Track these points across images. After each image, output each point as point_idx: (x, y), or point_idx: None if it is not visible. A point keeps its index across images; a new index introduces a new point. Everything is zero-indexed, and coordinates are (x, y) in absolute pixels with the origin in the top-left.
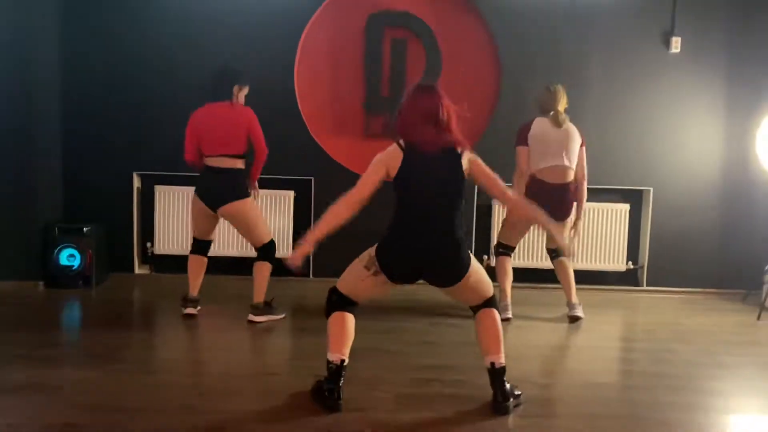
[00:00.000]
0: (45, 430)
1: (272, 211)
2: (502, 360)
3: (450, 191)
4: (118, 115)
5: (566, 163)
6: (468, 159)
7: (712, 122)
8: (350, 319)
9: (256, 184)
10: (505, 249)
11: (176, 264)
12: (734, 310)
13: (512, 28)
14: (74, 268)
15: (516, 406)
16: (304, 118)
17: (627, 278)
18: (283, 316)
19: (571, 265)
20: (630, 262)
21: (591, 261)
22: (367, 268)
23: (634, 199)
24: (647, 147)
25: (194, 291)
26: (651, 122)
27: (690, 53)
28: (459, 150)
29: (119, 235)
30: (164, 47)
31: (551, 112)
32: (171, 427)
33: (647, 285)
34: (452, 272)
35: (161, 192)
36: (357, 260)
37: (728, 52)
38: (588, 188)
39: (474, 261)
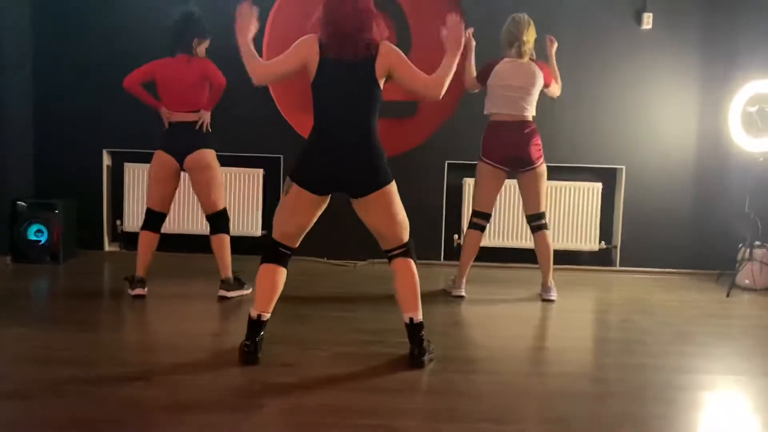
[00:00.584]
0: None
1: (242, 190)
2: (419, 316)
3: (364, 90)
4: (89, 92)
5: (526, 114)
6: (383, 51)
7: (685, 99)
8: (280, 273)
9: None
10: (480, 218)
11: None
12: (706, 289)
13: (481, 3)
14: (42, 243)
15: (430, 361)
16: (272, 94)
17: (600, 258)
18: (250, 290)
19: (552, 242)
20: (603, 242)
21: (563, 240)
22: (285, 192)
23: (607, 177)
24: (619, 125)
25: (142, 271)
26: (623, 100)
27: (662, 29)
28: (373, 50)
29: (89, 212)
30: (134, 24)
31: (515, 44)
32: (98, 377)
33: (620, 265)
34: (367, 179)
35: (131, 169)
36: (282, 200)
37: (700, 27)
38: (560, 167)
39: (393, 187)
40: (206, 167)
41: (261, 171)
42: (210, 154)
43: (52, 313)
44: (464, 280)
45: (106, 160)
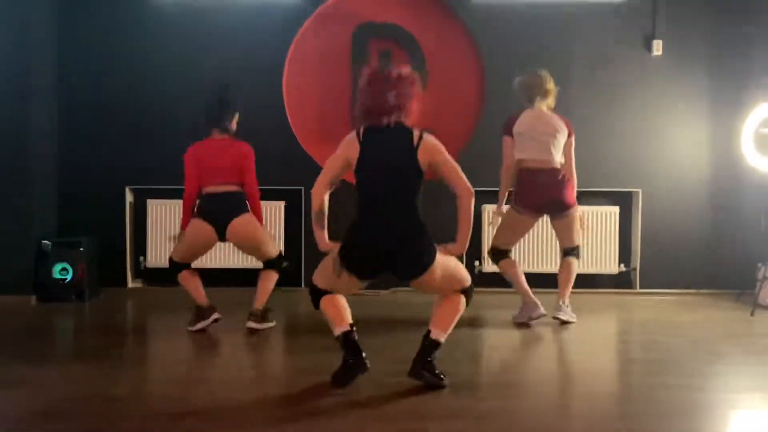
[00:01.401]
0: (28, 416)
1: (264, 222)
2: (441, 338)
3: (406, 173)
4: (112, 131)
5: (554, 160)
6: (424, 142)
7: (697, 122)
8: (340, 298)
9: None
10: (501, 254)
11: (169, 277)
12: (728, 308)
13: (495, 35)
14: (67, 281)
15: (435, 380)
16: (293, 128)
17: (620, 281)
18: (273, 324)
19: (577, 268)
20: (622, 265)
21: (582, 264)
22: (336, 272)
23: (624, 201)
24: (634, 149)
25: (204, 300)
26: (637, 124)
27: (672, 55)
28: (414, 133)
29: (112, 249)
30: (157, 63)
31: (538, 97)
32: (150, 412)
33: (640, 287)
34: (416, 261)
35: (153, 206)
36: (325, 262)
37: (710, 52)
38: (577, 191)
39: (439, 260)
40: (251, 230)
41: (282, 203)
42: (251, 217)
43: (92, 351)
44: (531, 299)
45: (129, 197)
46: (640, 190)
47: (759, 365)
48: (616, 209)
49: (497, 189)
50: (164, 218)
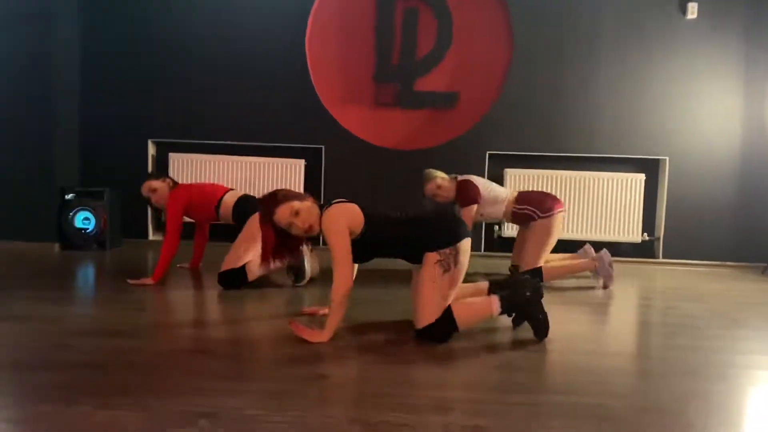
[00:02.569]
0: (42, 350)
1: (283, 181)
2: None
3: None
4: (134, 85)
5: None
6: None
7: (730, 89)
8: (461, 302)
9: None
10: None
11: (189, 231)
12: (752, 280)
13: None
14: (89, 231)
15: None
16: (315, 87)
17: (642, 250)
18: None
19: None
20: (645, 234)
21: (605, 232)
22: (445, 269)
23: (650, 168)
24: (663, 115)
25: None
26: (667, 90)
27: (707, 19)
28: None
29: (134, 202)
30: (179, 18)
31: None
32: (159, 348)
33: (663, 257)
34: None
35: (175, 159)
36: (431, 287)
37: (746, 16)
38: (602, 157)
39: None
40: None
41: (302, 161)
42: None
43: (107, 294)
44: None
45: (151, 150)
46: (667, 158)
47: None
48: (642, 177)
49: (522, 153)
50: (185, 171)
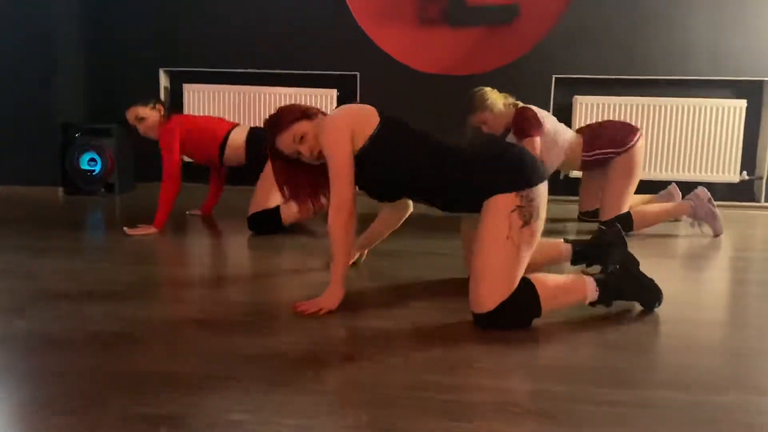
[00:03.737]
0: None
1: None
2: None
3: None
4: (143, 8)
5: None
6: None
7: None
8: (541, 281)
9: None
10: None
11: (206, 173)
12: None
13: None
14: (95, 173)
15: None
16: (347, 1)
17: (741, 192)
18: None
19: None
20: (745, 172)
21: (696, 170)
22: (526, 221)
23: (753, 93)
24: (767, 28)
25: None
26: None
27: None
28: None
29: (146, 141)
30: None
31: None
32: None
33: (766, 200)
34: None
35: (190, 91)
36: (504, 246)
37: None
38: (696, 80)
39: None
40: None
41: (334, 92)
42: None
43: (100, 245)
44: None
45: (164, 81)
46: None
47: None
48: (742, 103)
49: (595, 77)
50: (202, 104)
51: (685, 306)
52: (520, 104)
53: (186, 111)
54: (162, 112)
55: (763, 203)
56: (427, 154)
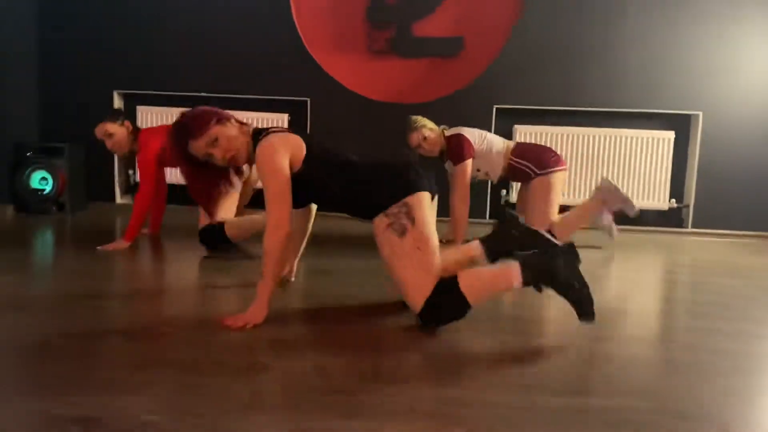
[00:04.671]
0: None
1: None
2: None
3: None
4: (98, 30)
5: None
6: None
7: None
8: (465, 272)
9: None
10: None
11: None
12: None
13: None
14: (46, 192)
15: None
16: (299, 31)
17: (669, 218)
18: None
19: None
20: (673, 200)
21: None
22: (400, 233)
23: (681, 125)
24: (698, 64)
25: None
26: (699, 36)
27: None
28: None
29: (99, 160)
30: None
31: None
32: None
33: (693, 226)
34: None
35: (144, 113)
36: (397, 262)
37: None
38: (626, 113)
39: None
40: None
41: (286, 116)
42: None
43: (55, 262)
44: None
45: (117, 102)
46: (700, 113)
47: None
48: (670, 135)
49: (534, 107)
50: (155, 125)
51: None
52: (448, 131)
53: None
54: (130, 129)
55: (690, 229)
56: (340, 172)
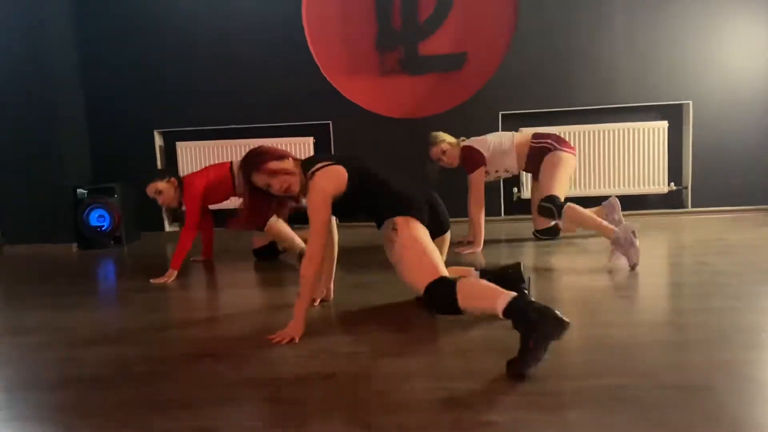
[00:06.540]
0: (47, 366)
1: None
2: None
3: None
4: (136, 76)
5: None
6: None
7: (756, 23)
8: (467, 279)
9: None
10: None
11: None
12: None
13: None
14: (104, 228)
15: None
16: (316, 60)
17: (670, 200)
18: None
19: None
20: (672, 183)
21: (630, 185)
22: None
23: (673, 114)
24: (684, 56)
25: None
26: (686, 27)
27: None
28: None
29: (146, 194)
30: (173, 4)
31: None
32: (161, 354)
33: (692, 206)
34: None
35: (182, 148)
36: (415, 251)
37: None
38: (620, 107)
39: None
40: None
41: (311, 139)
42: None
43: (120, 294)
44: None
45: (158, 141)
46: (690, 102)
47: None
48: (664, 124)
49: (536, 110)
50: (194, 159)
51: (611, 309)
52: (464, 140)
53: (180, 164)
54: (175, 184)
55: (690, 209)
56: (375, 188)
